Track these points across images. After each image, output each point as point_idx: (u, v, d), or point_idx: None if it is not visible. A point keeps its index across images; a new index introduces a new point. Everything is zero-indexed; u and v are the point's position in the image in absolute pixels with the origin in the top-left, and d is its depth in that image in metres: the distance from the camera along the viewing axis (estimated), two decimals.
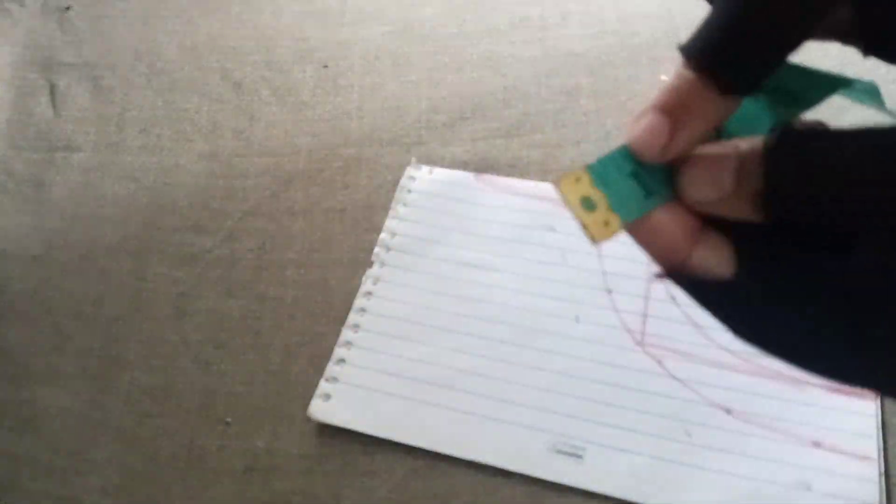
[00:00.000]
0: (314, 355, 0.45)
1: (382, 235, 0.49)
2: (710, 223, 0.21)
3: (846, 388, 0.40)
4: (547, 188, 0.50)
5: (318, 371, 0.44)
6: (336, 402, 0.42)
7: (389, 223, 0.49)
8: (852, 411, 0.40)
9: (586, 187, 0.20)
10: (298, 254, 0.49)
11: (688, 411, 0.41)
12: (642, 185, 0.20)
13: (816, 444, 0.39)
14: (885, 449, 0.39)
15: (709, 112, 0.20)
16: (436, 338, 0.44)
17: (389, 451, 0.41)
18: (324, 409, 0.42)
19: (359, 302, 0.46)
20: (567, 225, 0.48)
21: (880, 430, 0.39)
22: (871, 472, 0.38)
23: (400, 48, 0.59)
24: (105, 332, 0.47)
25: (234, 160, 0.54)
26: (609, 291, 0.45)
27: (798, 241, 0.20)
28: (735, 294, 0.21)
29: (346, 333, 0.45)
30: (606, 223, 0.20)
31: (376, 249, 0.48)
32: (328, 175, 0.52)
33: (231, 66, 0.59)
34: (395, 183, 0.51)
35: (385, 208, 0.50)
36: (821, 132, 0.19)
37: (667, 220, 0.21)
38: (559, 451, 0.40)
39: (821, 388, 0.40)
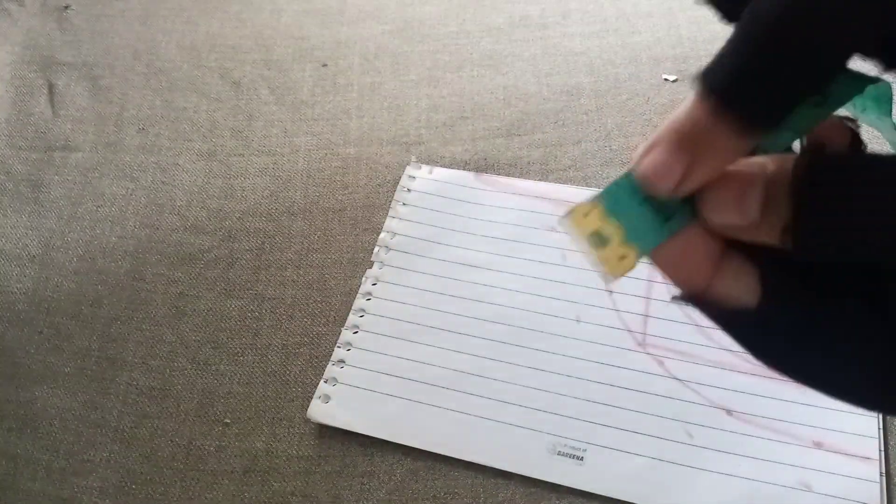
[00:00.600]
0: (313, 356, 0.45)
1: (382, 235, 0.49)
2: (734, 245, 0.19)
3: None
4: (547, 188, 0.50)
5: (317, 372, 0.44)
6: (335, 404, 0.42)
7: (389, 223, 0.49)
8: (853, 412, 0.39)
9: (596, 220, 0.19)
10: (297, 254, 0.49)
11: (689, 412, 0.41)
12: (658, 209, 0.18)
13: (817, 445, 0.39)
14: (886, 449, 0.39)
15: (727, 151, 0.18)
16: (435, 339, 0.44)
17: (388, 453, 0.41)
18: (323, 410, 0.42)
19: (358, 303, 0.46)
20: None
21: (881, 431, 0.39)
22: (871, 473, 0.38)
23: (399, 47, 0.59)
24: (103, 333, 0.47)
25: (233, 160, 0.54)
26: (610, 292, 0.45)
27: (828, 273, 0.19)
28: (760, 321, 0.20)
29: (346, 335, 0.45)
30: (622, 257, 0.19)
31: (376, 249, 0.48)
32: (327, 174, 0.52)
33: (230, 65, 0.59)
34: (395, 182, 0.51)
35: (384, 208, 0.50)
36: (853, 158, 0.18)
37: (686, 244, 0.19)
38: (559, 453, 0.40)
39: None
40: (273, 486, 0.41)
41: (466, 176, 0.51)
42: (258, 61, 0.59)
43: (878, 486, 0.37)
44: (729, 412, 0.40)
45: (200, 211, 0.51)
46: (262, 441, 0.42)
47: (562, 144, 0.52)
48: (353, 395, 0.43)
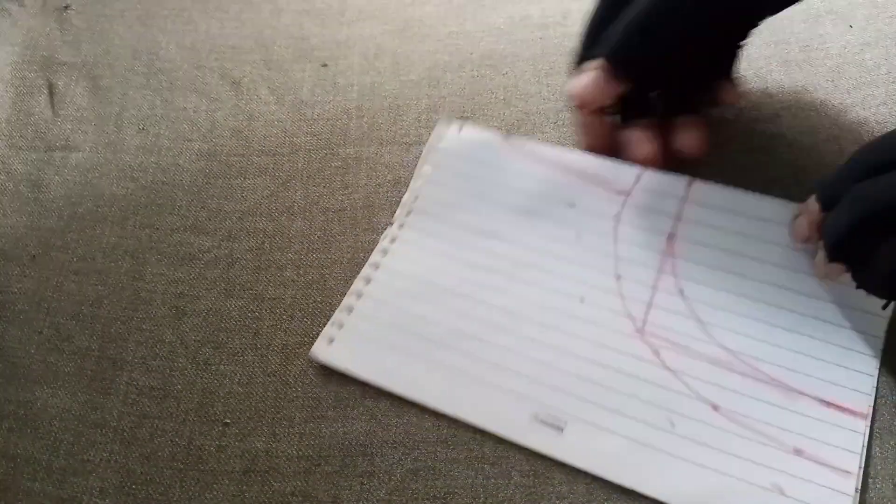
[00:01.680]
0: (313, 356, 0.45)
1: (406, 196, 0.49)
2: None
3: (840, 403, 0.40)
4: (573, 158, 0.49)
5: (318, 371, 0.44)
6: (338, 346, 0.44)
7: (414, 184, 0.50)
8: (841, 426, 0.39)
9: None
10: (297, 254, 0.49)
11: (675, 402, 0.41)
12: None
13: (798, 452, 0.39)
14: (867, 467, 0.39)
15: (611, 86, 0.45)
16: (442, 300, 0.45)
17: (388, 453, 0.41)
18: (326, 351, 0.44)
19: (374, 258, 0.47)
20: (587, 202, 0.48)
21: (864, 449, 0.39)
22: (847, 487, 0.38)
23: (399, 47, 0.59)
24: (103, 333, 0.47)
25: (233, 160, 0.54)
26: (618, 277, 0.45)
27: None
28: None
29: (358, 284, 0.46)
30: None
31: (398, 210, 0.49)
32: (327, 174, 0.52)
33: (230, 65, 0.59)
34: (395, 182, 0.51)
35: (385, 208, 0.50)
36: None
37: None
38: (541, 421, 0.41)
39: (813, 400, 0.40)
40: (273, 486, 0.41)
41: (494, 138, 0.51)
42: (258, 61, 0.59)
43: (851, 500, 0.37)
44: (715, 408, 0.40)
45: (200, 211, 0.51)
46: (262, 441, 0.42)
47: (562, 144, 0.52)
48: (357, 341, 0.44)
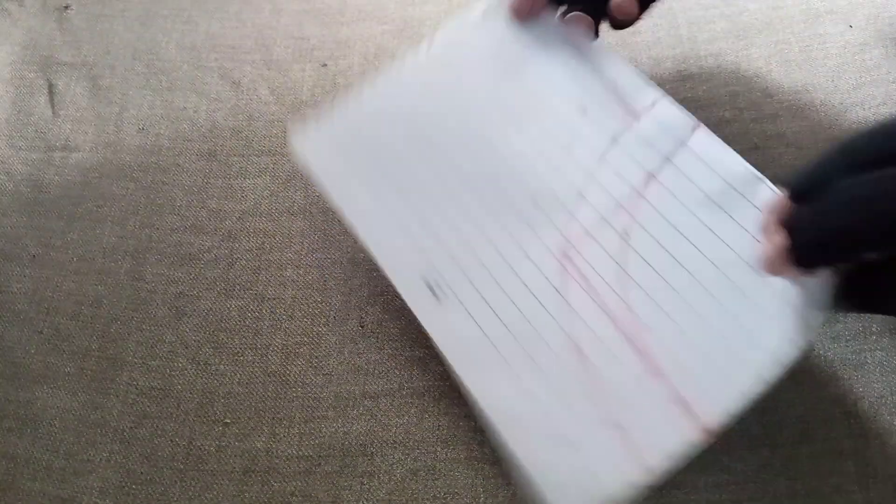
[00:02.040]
0: (313, 356, 0.45)
1: (448, 20, 0.48)
2: None
3: (692, 407, 0.37)
4: (611, 65, 0.46)
5: (318, 371, 0.44)
6: (313, 145, 0.46)
7: (463, 14, 0.48)
8: (675, 427, 0.37)
9: None
10: (297, 254, 0.49)
11: (548, 329, 0.40)
12: None
13: (617, 427, 0.37)
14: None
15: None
16: (416, 139, 0.45)
17: (388, 453, 0.41)
18: (303, 144, 0.46)
19: (389, 68, 0.47)
20: (598, 115, 0.45)
21: (681, 460, 0.37)
22: (640, 479, 0.36)
23: (399, 47, 0.59)
24: (103, 333, 0.47)
25: (233, 160, 0.54)
26: (582, 196, 0.43)
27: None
28: None
29: (357, 90, 0.47)
30: None
31: (431, 34, 0.48)
32: None
33: (230, 65, 0.59)
34: None
35: None
36: None
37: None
38: (426, 283, 0.41)
39: (669, 391, 0.38)
40: (273, 486, 0.41)
41: (552, 17, 0.48)
42: (258, 61, 0.59)
43: (633, 490, 0.36)
44: (578, 351, 0.39)
45: (200, 211, 0.51)
46: (262, 441, 0.42)
47: None
48: (329, 147, 0.46)
